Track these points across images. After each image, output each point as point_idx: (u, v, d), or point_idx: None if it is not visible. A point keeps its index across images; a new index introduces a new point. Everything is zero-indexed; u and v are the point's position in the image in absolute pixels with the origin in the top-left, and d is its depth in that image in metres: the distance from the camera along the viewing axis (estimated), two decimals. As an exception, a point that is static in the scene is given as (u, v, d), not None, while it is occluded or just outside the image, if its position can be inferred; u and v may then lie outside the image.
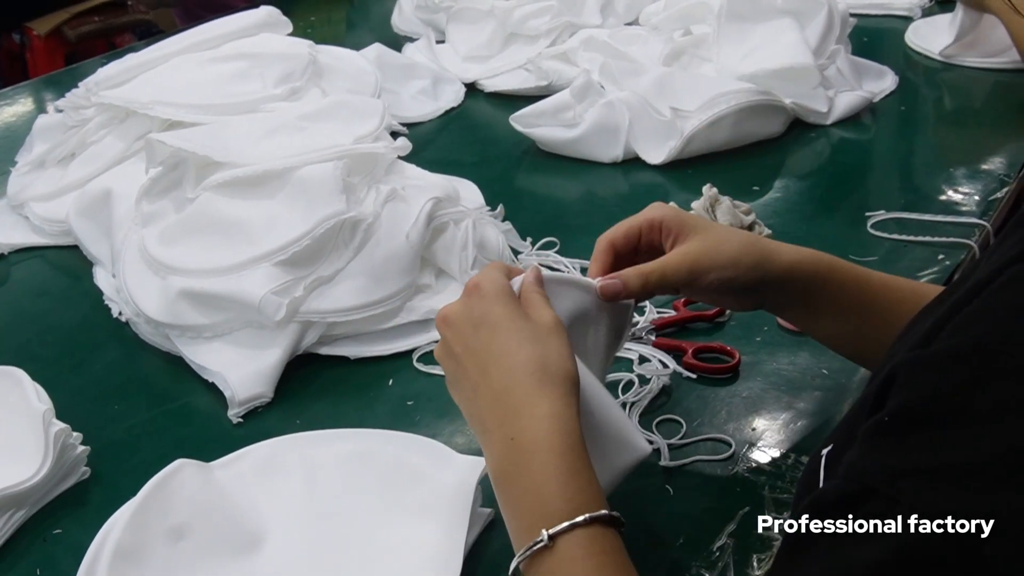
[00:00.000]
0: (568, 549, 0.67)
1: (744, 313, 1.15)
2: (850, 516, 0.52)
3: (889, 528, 0.50)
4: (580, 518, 0.67)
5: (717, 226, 0.89)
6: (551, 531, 0.67)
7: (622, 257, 0.89)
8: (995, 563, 0.47)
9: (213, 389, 1.08)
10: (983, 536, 0.47)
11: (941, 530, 0.48)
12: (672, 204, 0.92)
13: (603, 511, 0.68)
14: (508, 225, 1.29)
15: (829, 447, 0.64)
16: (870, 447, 0.54)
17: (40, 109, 1.87)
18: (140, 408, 1.08)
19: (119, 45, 3.36)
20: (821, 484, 0.63)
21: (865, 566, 0.50)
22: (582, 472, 0.70)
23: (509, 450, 0.72)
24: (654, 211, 0.89)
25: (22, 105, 1.93)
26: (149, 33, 3.40)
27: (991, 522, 0.47)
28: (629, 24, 1.93)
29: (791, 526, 0.58)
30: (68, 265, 1.35)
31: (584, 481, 0.69)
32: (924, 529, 0.49)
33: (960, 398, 0.50)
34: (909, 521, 0.49)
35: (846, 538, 0.52)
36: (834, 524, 0.53)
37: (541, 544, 0.67)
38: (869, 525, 0.51)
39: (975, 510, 0.48)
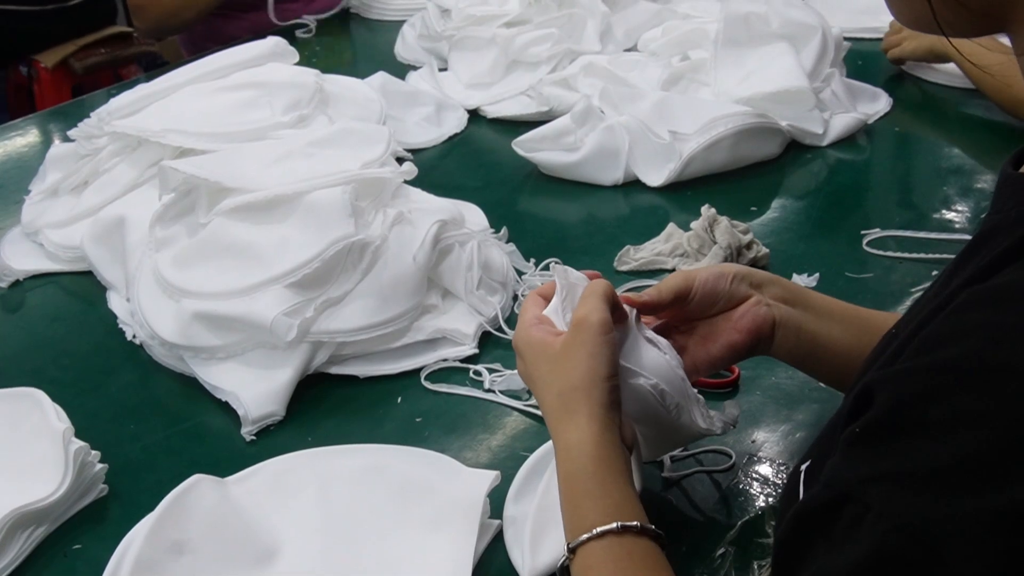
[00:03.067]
0: (584, 560, 0.74)
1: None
2: (830, 522, 0.56)
3: (865, 531, 0.53)
4: (593, 532, 0.74)
5: None
6: (571, 544, 0.75)
7: None
8: (955, 565, 0.50)
9: (226, 409, 1.11)
10: (944, 539, 0.50)
11: (906, 534, 0.52)
12: None
13: (614, 524, 0.73)
14: (512, 247, 1.33)
15: (808, 462, 0.68)
16: (845, 456, 0.57)
17: (49, 140, 1.90)
18: (155, 428, 1.11)
19: (125, 77, 3.39)
20: (801, 497, 0.66)
21: (844, 569, 0.54)
22: (597, 490, 0.76)
23: (557, 463, 0.81)
24: None
25: (32, 136, 1.96)
26: (155, 65, 3.43)
27: (948, 525, 0.50)
28: (628, 50, 1.96)
29: (779, 536, 0.62)
30: (82, 290, 1.38)
31: (612, 493, 0.76)
32: (891, 533, 0.52)
33: (919, 411, 0.54)
34: (879, 526, 0.53)
35: (829, 544, 0.56)
36: (817, 531, 0.57)
37: (566, 558, 0.75)
38: (847, 530, 0.55)
39: (934, 514, 0.51)
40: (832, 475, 0.58)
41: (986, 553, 0.49)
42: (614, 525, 0.73)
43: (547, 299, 0.89)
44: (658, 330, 0.91)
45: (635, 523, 0.74)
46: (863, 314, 0.96)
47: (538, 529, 0.89)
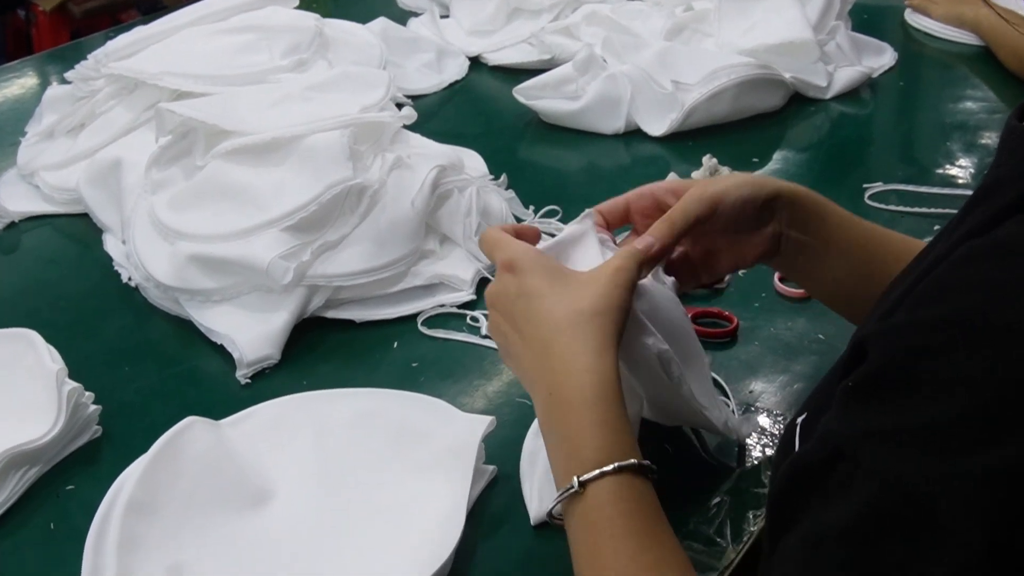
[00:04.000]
0: (597, 495, 0.70)
1: (743, 279, 1.18)
2: (824, 478, 0.55)
3: (856, 488, 0.53)
4: (609, 467, 0.70)
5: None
6: (582, 478, 0.71)
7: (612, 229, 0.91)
8: (947, 523, 0.49)
9: (221, 352, 1.10)
10: (936, 498, 0.50)
11: (897, 491, 0.51)
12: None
13: (632, 460, 0.71)
14: (511, 193, 1.32)
15: (804, 415, 0.67)
16: (839, 411, 0.57)
17: (46, 82, 1.88)
18: (150, 371, 1.10)
19: (124, 21, 3.36)
20: (796, 448, 0.66)
21: (838, 525, 0.53)
22: (614, 424, 0.73)
23: (548, 404, 0.75)
24: (640, 187, 0.92)
25: (29, 78, 1.94)
26: (154, 9, 3.40)
27: (940, 484, 0.50)
28: (631, -1, 1.95)
29: (773, 489, 0.61)
30: (78, 233, 1.37)
31: (616, 433, 0.72)
32: (883, 491, 0.52)
33: (914, 367, 0.53)
34: (870, 483, 0.52)
35: (822, 500, 0.55)
36: (811, 486, 0.56)
37: (572, 490, 0.71)
38: (840, 486, 0.54)
39: (926, 472, 0.51)
40: (826, 430, 0.57)
41: (979, 511, 0.49)
42: (632, 462, 0.71)
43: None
44: None
45: (647, 461, 0.72)
46: (878, 248, 0.93)
47: None
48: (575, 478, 0.71)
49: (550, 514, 0.76)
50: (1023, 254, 0.53)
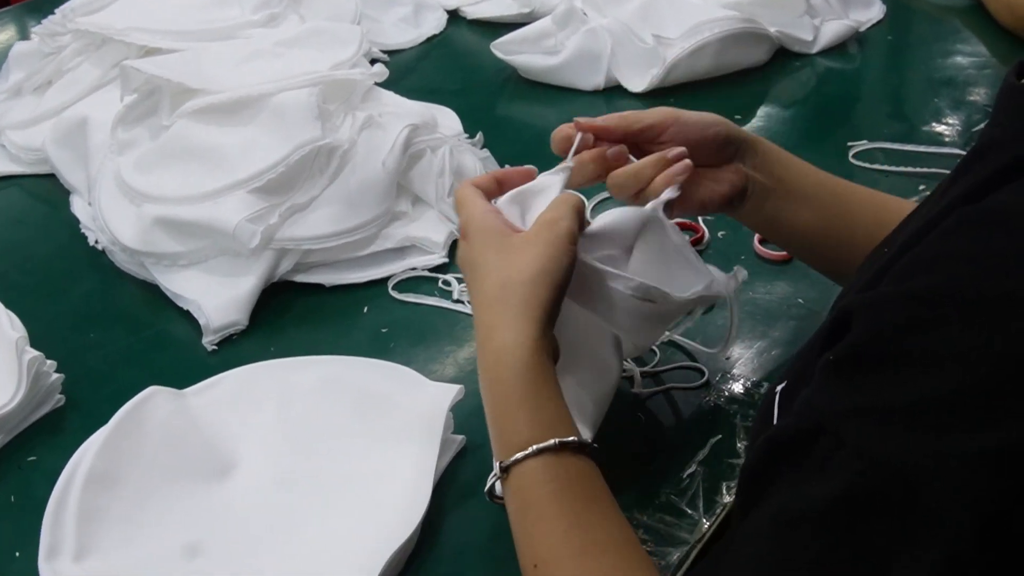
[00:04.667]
0: (524, 477, 0.68)
1: (722, 242, 1.15)
2: (802, 454, 0.53)
3: (838, 467, 0.50)
4: (529, 449, 0.68)
5: None
6: (504, 463, 0.69)
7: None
8: (937, 506, 0.47)
9: (189, 317, 1.08)
10: (926, 479, 0.47)
11: (883, 473, 0.49)
12: None
13: (552, 440, 0.68)
14: (486, 152, 1.29)
15: (783, 384, 0.65)
16: (821, 385, 0.54)
17: (24, 36, 1.84)
18: (116, 336, 1.08)
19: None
20: (776, 421, 0.64)
21: (817, 504, 0.51)
22: (535, 400, 0.70)
23: (481, 383, 0.73)
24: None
25: (4, 33, 1.90)
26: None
27: (929, 466, 0.47)
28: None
29: (748, 462, 0.58)
30: (46, 193, 1.34)
31: (538, 409, 0.70)
32: (867, 471, 0.49)
33: (903, 341, 0.50)
34: (854, 463, 0.50)
35: (799, 476, 0.53)
36: (788, 462, 0.54)
37: (497, 477, 0.69)
38: (820, 463, 0.51)
39: (914, 453, 0.48)
40: (806, 405, 0.55)
41: (972, 494, 0.46)
42: (552, 442, 0.68)
43: (483, 191, 0.82)
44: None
45: (573, 439, 0.69)
46: (843, 195, 0.93)
47: None
48: (498, 463, 0.69)
49: (489, 495, 0.73)
50: (1018, 222, 0.50)
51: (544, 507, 0.66)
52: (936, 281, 0.51)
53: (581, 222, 0.78)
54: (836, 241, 0.91)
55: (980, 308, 0.48)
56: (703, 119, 0.88)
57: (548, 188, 0.82)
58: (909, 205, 0.92)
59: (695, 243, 1.14)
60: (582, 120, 0.85)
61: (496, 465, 0.69)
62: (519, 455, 0.68)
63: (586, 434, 0.82)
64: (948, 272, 0.51)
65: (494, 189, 0.83)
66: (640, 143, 0.88)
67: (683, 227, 1.16)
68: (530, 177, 0.84)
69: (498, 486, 0.71)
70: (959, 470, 0.46)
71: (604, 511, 0.67)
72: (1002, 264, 0.49)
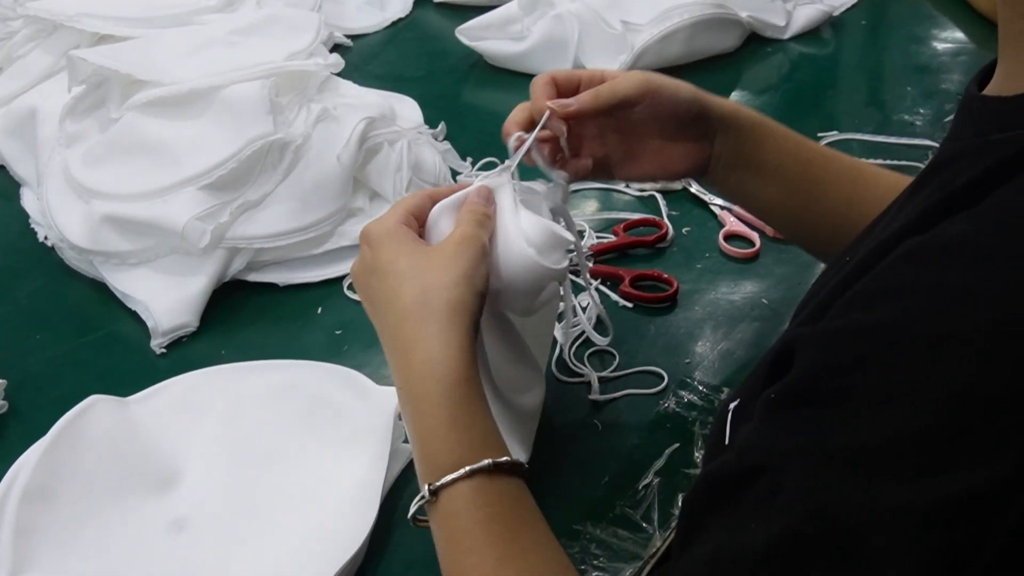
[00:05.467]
0: (453, 502, 0.64)
1: (686, 238, 1.13)
2: (741, 494, 0.50)
3: (777, 510, 0.48)
4: (461, 471, 0.64)
5: None
6: (433, 486, 0.64)
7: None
8: (876, 558, 0.44)
9: (139, 317, 1.05)
10: (865, 529, 0.44)
11: (823, 519, 0.46)
12: None
13: (486, 461, 0.64)
14: (447, 145, 1.25)
15: (736, 401, 0.62)
16: (762, 423, 0.51)
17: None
18: (64, 337, 1.05)
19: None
20: (727, 440, 0.61)
21: (755, 548, 0.48)
22: (464, 418, 0.66)
23: (403, 399, 0.69)
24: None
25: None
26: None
27: (872, 515, 0.44)
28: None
29: (688, 496, 0.56)
30: (-3, 185, 1.30)
31: (467, 428, 0.66)
32: (807, 516, 0.46)
33: (845, 379, 0.47)
34: (793, 507, 0.47)
35: (737, 517, 0.50)
36: (727, 500, 0.51)
37: (425, 500, 0.65)
38: (758, 505, 0.49)
39: (856, 501, 0.45)
40: (746, 442, 0.52)
41: (916, 548, 0.43)
42: (487, 462, 0.64)
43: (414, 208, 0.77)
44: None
45: (507, 459, 0.65)
46: (816, 170, 0.89)
47: None
48: (426, 486, 0.65)
49: (413, 518, 0.68)
50: (967, 256, 0.47)
51: (475, 536, 0.63)
52: (881, 315, 0.48)
53: (490, 232, 0.74)
54: (805, 216, 0.89)
55: (926, 347, 0.45)
56: (677, 95, 0.84)
57: (498, 190, 0.78)
58: (886, 177, 0.89)
59: (659, 240, 1.11)
60: (555, 107, 0.81)
61: (424, 488, 0.65)
62: (449, 477, 0.64)
63: (518, 454, 0.78)
64: (894, 307, 0.48)
65: (427, 206, 0.77)
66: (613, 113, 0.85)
67: (646, 223, 1.13)
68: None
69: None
70: (901, 522, 0.44)
71: (537, 538, 0.64)
72: (950, 301, 0.46)
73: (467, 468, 0.64)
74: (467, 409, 0.66)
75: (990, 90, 0.58)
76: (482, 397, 0.68)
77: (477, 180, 0.79)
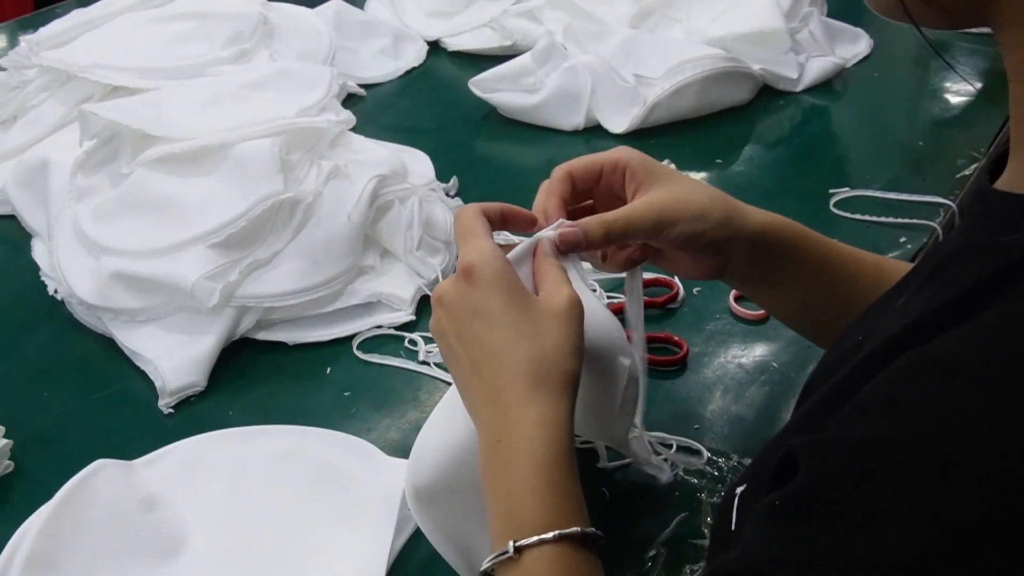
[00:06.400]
0: (533, 564, 0.64)
1: (696, 299, 1.12)
2: None
3: None
4: (549, 535, 0.64)
5: (685, 177, 0.85)
6: (518, 543, 0.64)
7: (579, 195, 0.84)
8: None
9: (147, 374, 1.05)
10: None
11: None
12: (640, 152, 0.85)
13: (575, 528, 0.64)
14: (458, 201, 1.25)
15: (743, 486, 0.62)
16: (760, 528, 0.51)
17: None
18: (70, 395, 1.04)
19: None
20: (733, 526, 0.61)
21: None
22: (562, 485, 0.66)
23: (495, 451, 0.69)
24: (621, 152, 0.84)
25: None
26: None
27: None
28: (599, -21, 1.87)
29: None
30: (9, 236, 1.30)
31: (562, 496, 0.66)
32: None
33: (845, 493, 0.48)
34: None
35: None
36: None
37: (507, 555, 0.64)
38: None
39: None
40: (745, 547, 0.52)
41: None
42: (575, 530, 0.64)
43: (491, 220, 0.77)
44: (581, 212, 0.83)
45: (593, 531, 0.65)
46: (833, 273, 0.87)
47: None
48: (511, 543, 0.64)
49: (484, 573, 0.68)
50: (964, 376, 0.47)
51: None
52: (882, 431, 0.48)
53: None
54: (829, 318, 0.87)
55: (920, 467, 0.46)
56: (687, 232, 0.80)
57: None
58: (902, 269, 0.88)
59: (669, 300, 1.11)
60: (558, 241, 0.77)
61: (509, 544, 0.64)
62: (537, 538, 0.64)
63: None
64: (895, 423, 0.48)
65: (498, 224, 0.78)
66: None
67: (657, 284, 1.13)
68: (530, 221, 0.80)
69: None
70: None
71: None
72: (945, 422, 0.46)
73: (557, 532, 0.64)
74: (568, 477, 0.67)
75: (1002, 183, 0.58)
76: (576, 467, 0.68)
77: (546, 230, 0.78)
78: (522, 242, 0.77)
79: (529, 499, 0.66)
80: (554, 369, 0.69)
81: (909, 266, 0.89)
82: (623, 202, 0.83)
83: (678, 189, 0.81)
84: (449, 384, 0.97)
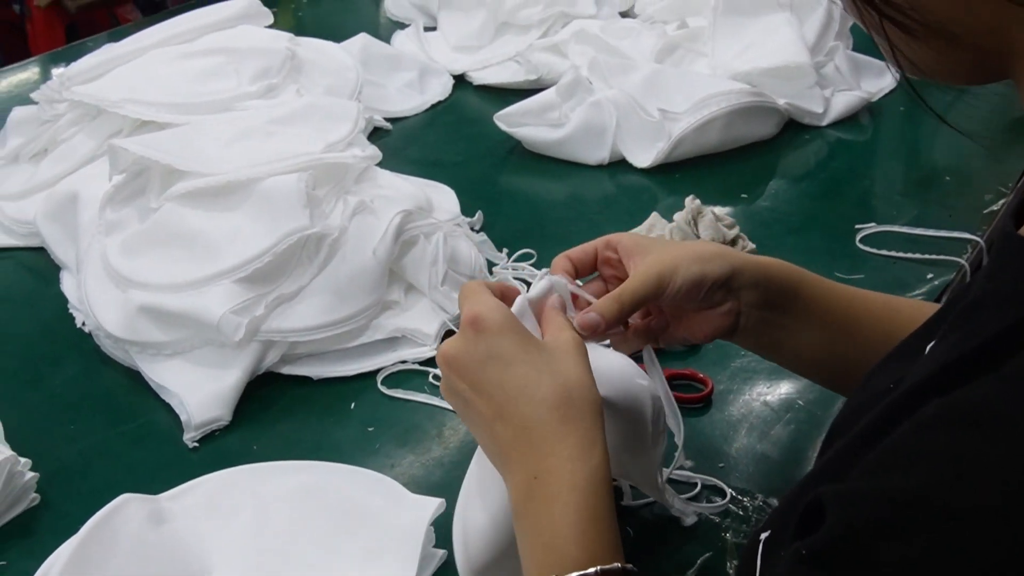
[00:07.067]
0: None
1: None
2: None
3: None
4: (592, 569, 0.64)
5: (677, 242, 0.86)
6: None
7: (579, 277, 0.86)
8: None
9: (173, 407, 1.05)
10: None
11: None
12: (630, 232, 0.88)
13: (616, 564, 0.65)
14: (483, 236, 1.25)
15: (767, 532, 0.61)
16: (789, 574, 0.51)
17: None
18: (96, 428, 1.05)
19: (121, 16, 3.31)
20: (758, 572, 0.60)
21: None
22: (603, 518, 0.67)
23: (532, 488, 0.69)
24: (611, 235, 0.87)
25: (28, 73, 1.88)
26: (152, 4, 3.35)
27: None
28: (624, 14, 1.88)
29: None
30: (39, 268, 1.31)
31: (603, 529, 0.67)
32: None
33: (873, 545, 0.47)
34: None
35: None
36: None
37: None
38: None
39: None
40: None
41: None
42: (616, 566, 0.65)
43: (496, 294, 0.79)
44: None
45: (632, 567, 0.66)
46: (850, 317, 0.87)
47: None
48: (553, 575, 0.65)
49: None
50: (990, 426, 0.47)
51: None
52: (910, 483, 0.48)
53: None
54: (843, 363, 0.87)
55: (946, 519, 0.45)
56: (688, 278, 0.81)
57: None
58: (920, 308, 0.87)
59: (704, 397, 1.08)
60: (584, 332, 0.78)
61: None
62: (580, 573, 0.64)
63: None
64: (921, 474, 0.47)
65: (497, 296, 0.78)
66: None
67: (691, 378, 1.08)
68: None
69: None
70: None
71: None
72: (977, 473, 0.46)
73: (599, 568, 0.64)
74: (608, 508, 0.68)
75: None
76: (614, 500, 0.69)
77: (539, 281, 0.80)
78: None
79: (571, 532, 0.66)
80: (581, 400, 0.70)
81: (921, 304, 0.89)
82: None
83: (672, 248, 0.84)
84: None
